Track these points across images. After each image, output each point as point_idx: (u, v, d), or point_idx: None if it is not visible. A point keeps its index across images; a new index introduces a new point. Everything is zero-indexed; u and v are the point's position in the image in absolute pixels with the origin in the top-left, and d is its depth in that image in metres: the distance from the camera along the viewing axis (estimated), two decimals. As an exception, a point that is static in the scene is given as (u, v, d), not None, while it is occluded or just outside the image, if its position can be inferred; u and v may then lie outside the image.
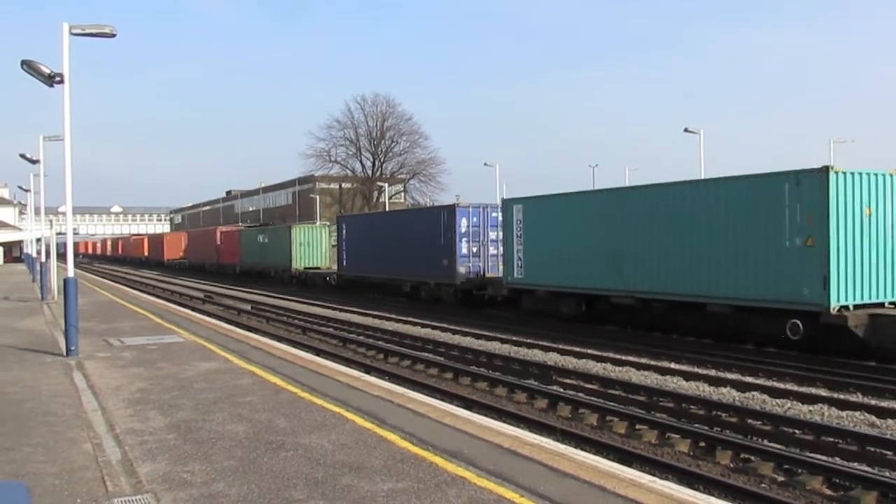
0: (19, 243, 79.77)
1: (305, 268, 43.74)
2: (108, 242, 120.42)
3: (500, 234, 25.90)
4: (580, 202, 21.70)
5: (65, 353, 13.67)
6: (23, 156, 30.99)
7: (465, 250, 27.65)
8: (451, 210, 28.54)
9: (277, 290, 40.80)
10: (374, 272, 34.26)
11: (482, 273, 27.78)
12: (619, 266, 19.59)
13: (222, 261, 57.81)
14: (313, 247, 44.35)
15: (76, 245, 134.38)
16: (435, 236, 28.68)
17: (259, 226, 63.84)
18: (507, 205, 24.27)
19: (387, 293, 34.12)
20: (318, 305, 30.59)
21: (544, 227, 22.41)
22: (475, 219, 27.86)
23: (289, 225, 46.53)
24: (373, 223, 37.19)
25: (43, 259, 32.83)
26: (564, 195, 22.46)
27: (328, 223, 47.53)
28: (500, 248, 26.21)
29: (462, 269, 27.59)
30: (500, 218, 25.59)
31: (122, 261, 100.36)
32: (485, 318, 24.81)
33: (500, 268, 26.13)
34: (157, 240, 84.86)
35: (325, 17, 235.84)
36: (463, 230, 27.70)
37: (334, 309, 28.81)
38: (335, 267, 40.67)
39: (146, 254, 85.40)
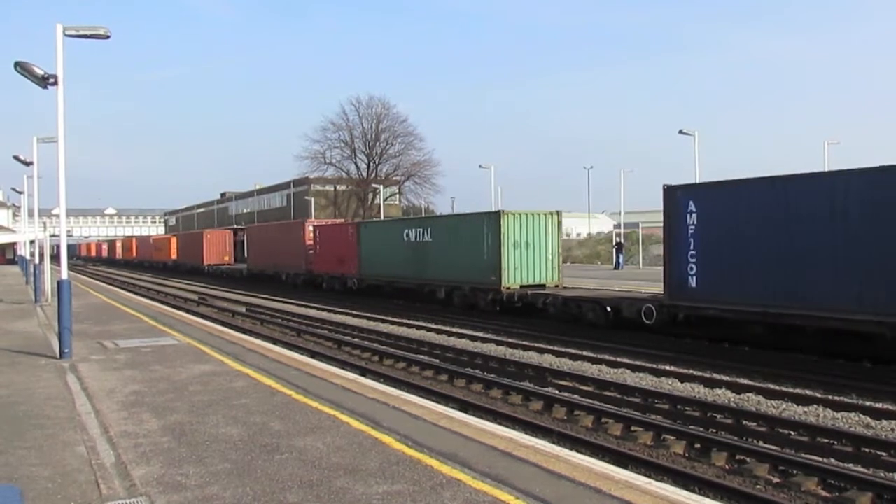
0: (13, 245, 79.49)
1: (523, 285, 25.00)
2: (118, 244, 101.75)
3: None
4: None
5: (58, 356, 13.61)
6: (16, 157, 30.96)
7: None
8: None
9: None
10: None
11: None
12: None
13: (317, 269, 38.90)
14: (536, 249, 25.57)
15: (77, 247, 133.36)
16: None
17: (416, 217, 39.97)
18: None
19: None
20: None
21: None
22: None
23: (497, 212, 25.99)
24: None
25: (36, 261, 32.74)
26: None
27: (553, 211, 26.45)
28: None
29: None
30: None
31: (135, 265, 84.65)
32: (479, 319, 24.14)
33: None
34: (191, 240, 65.17)
35: (320, 20, 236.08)
36: None
37: (329, 311, 28.75)
38: (567, 283, 26.06)
39: (174, 257, 69.00)
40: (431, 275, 28.68)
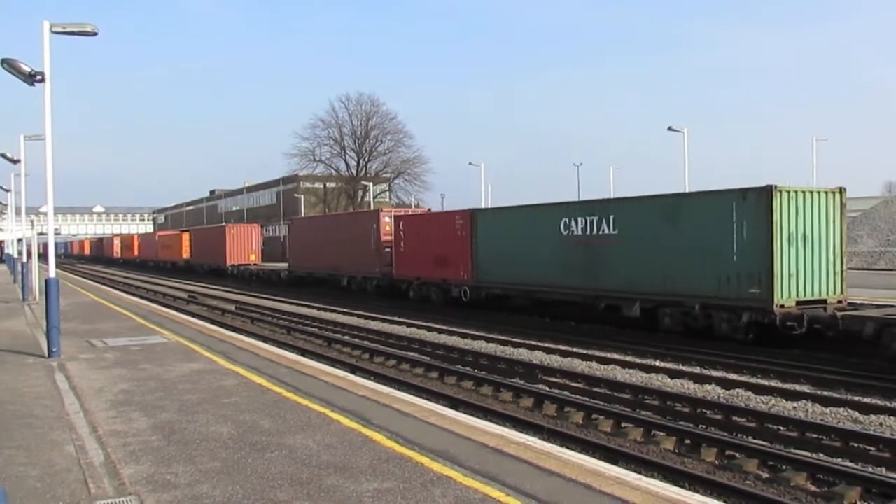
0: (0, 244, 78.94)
1: (799, 303, 16.46)
2: (116, 241, 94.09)
3: None
4: None
5: (46, 355, 13.53)
6: (3, 155, 30.74)
7: None
8: None
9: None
10: None
11: None
12: None
13: (401, 273, 30.41)
14: (815, 244, 16.84)
15: (68, 246, 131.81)
16: None
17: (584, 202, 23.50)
18: None
19: None
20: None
21: None
22: None
23: (766, 187, 16.21)
24: None
25: (24, 260, 32.54)
26: None
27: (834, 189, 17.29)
28: None
29: None
30: None
31: (135, 265, 77.96)
32: (469, 317, 24.23)
33: None
34: (210, 236, 55.29)
35: (310, 18, 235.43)
36: None
37: (319, 309, 28.67)
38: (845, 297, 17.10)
39: (186, 256, 60.30)
40: (616, 283, 20.16)
